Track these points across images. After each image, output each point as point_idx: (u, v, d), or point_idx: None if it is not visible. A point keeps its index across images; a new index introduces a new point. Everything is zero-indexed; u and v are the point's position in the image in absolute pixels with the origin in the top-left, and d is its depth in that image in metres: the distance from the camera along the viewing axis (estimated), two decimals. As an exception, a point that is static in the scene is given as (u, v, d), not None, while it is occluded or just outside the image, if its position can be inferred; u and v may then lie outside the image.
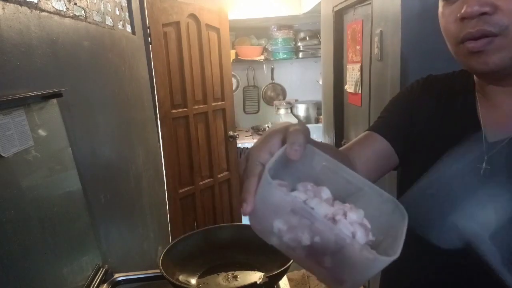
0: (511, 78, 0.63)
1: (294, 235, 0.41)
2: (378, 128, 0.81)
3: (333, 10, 2.67)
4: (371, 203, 0.45)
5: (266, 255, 1.10)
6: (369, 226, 0.42)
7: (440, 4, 0.65)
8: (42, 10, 1.07)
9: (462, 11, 0.58)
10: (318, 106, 4.22)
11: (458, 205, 0.65)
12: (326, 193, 0.44)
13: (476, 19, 0.58)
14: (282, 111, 4.44)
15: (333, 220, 0.41)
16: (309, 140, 0.46)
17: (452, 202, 0.67)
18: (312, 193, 0.44)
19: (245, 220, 1.15)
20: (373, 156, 0.79)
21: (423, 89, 0.80)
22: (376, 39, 1.95)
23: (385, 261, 0.37)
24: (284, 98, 4.78)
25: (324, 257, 0.40)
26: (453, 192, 0.67)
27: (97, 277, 1.12)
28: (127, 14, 1.94)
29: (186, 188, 2.80)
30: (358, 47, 2.30)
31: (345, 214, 0.41)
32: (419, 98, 0.80)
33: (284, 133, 0.45)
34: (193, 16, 2.73)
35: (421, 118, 0.77)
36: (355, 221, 0.41)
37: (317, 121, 4.30)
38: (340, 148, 0.82)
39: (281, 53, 4.37)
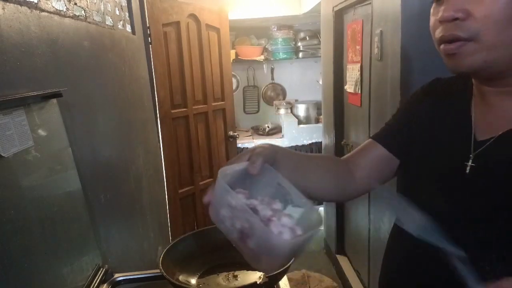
0: (501, 80, 0.65)
1: (232, 221, 0.57)
2: (378, 135, 0.88)
3: (333, 10, 2.67)
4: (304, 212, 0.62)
5: (266, 255, 1.10)
6: (297, 230, 0.58)
7: (433, 4, 0.69)
8: (42, 10, 1.07)
9: (439, 15, 0.64)
10: (318, 106, 4.22)
11: (441, 202, 0.70)
12: (277, 205, 0.61)
13: (451, 23, 0.62)
14: (282, 111, 4.44)
15: (270, 220, 0.57)
16: (270, 161, 0.64)
17: (437, 198, 0.71)
18: (266, 203, 0.60)
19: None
20: (373, 163, 0.85)
21: (424, 93, 0.84)
22: (376, 39, 1.95)
23: (284, 243, 0.55)
24: (284, 98, 4.78)
25: (248, 239, 0.56)
26: (438, 188, 0.73)
27: (97, 277, 1.12)
28: (127, 14, 1.94)
29: (186, 188, 2.80)
30: (358, 47, 2.30)
31: (280, 218, 0.58)
32: (419, 102, 0.83)
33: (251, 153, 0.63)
34: (193, 16, 2.73)
35: (419, 120, 0.81)
36: (285, 223, 0.58)
37: (317, 121, 4.30)
38: (344, 156, 0.90)
39: (281, 53, 4.37)
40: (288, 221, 0.58)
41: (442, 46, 0.65)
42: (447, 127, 0.75)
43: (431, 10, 0.68)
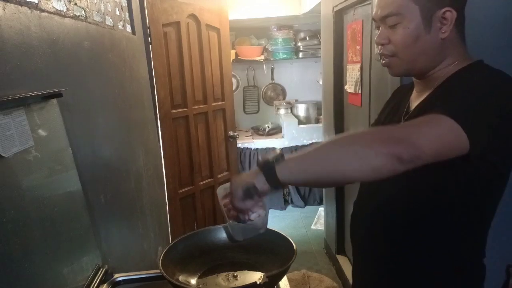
0: (422, 75, 0.98)
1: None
2: (372, 126, 1.23)
3: (333, 10, 2.67)
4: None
5: (266, 255, 1.10)
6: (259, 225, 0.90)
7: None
8: (43, 11, 1.07)
9: (375, 40, 0.98)
10: (318, 106, 4.22)
11: None
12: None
13: (381, 46, 0.97)
14: (282, 111, 4.44)
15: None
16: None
17: None
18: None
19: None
20: None
21: (394, 91, 1.23)
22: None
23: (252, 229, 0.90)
24: (284, 98, 4.78)
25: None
26: None
27: (97, 277, 1.12)
28: (127, 14, 1.94)
29: (186, 188, 2.80)
30: (358, 47, 2.30)
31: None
32: (391, 97, 1.21)
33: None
34: (193, 16, 2.73)
35: (383, 112, 1.17)
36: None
37: (317, 121, 4.30)
38: None
39: (281, 53, 4.37)
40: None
41: (381, 61, 1.01)
42: (396, 112, 1.08)
43: (376, 31, 1.00)
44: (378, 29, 0.98)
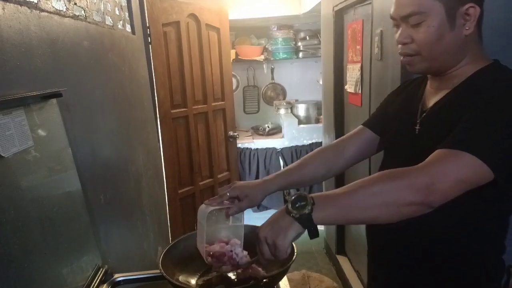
0: (441, 73, 0.98)
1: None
2: (367, 122, 1.23)
3: (333, 10, 2.67)
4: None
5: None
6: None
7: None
8: (42, 10, 1.07)
9: (396, 39, 0.97)
10: (318, 106, 4.21)
11: (397, 157, 1.04)
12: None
13: (403, 45, 0.96)
14: (282, 111, 4.44)
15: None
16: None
17: (395, 154, 1.08)
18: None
19: (245, 221, 1.15)
20: (361, 144, 1.20)
21: (398, 89, 1.20)
22: (376, 39, 1.95)
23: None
24: (284, 98, 4.78)
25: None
26: (395, 147, 1.08)
27: (97, 277, 1.12)
28: (127, 14, 1.94)
29: (186, 188, 2.79)
30: (358, 47, 2.30)
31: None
32: (394, 95, 1.19)
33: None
34: (193, 16, 2.72)
35: (393, 106, 1.15)
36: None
37: (317, 121, 4.30)
38: (337, 140, 1.25)
39: (281, 53, 4.36)
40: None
41: (401, 58, 0.99)
42: (408, 107, 1.07)
43: (395, 29, 0.99)
44: (397, 28, 0.97)
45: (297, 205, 0.82)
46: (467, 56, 0.94)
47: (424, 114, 1.00)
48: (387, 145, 1.14)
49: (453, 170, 0.80)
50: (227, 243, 1.06)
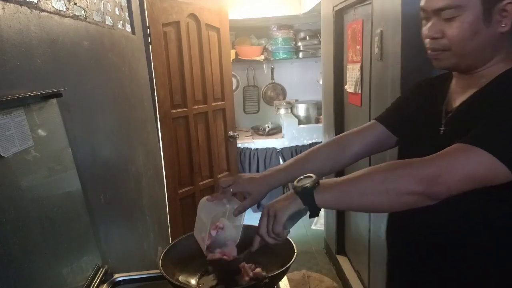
0: (469, 70, 0.93)
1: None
2: (380, 117, 1.16)
3: (333, 10, 2.67)
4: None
5: (266, 255, 1.10)
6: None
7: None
8: (42, 10, 1.07)
9: (426, 33, 0.92)
10: (318, 106, 4.21)
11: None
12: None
13: (432, 39, 0.90)
14: (282, 111, 4.44)
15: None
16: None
17: (417, 156, 0.95)
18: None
19: (245, 221, 1.15)
20: (372, 138, 1.15)
21: (417, 86, 1.13)
22: (376, 39, 1.95)
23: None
24: (284, 98, 4.78)
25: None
26: (417, 148, 0.98)
27: (97, 277, 1.12)
28: (127, 14, 1.94)
29: (186, 188, 2.79)
30: (358, 47, 2.30)
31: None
32: (413, 92, 1.13)
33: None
34: (193, 16, 2.72)
35: (412, 104, 1.09)
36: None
37: (317, 121, 4.30)
38: (343, 133, 1.21)
39: (281, 53, 4.36)
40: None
41: (429, 52, 0.94)
42: (431, 106, 1.01)
43: (422, 21, 0.94)
44: (426, 20, 0.91)
45: (301, 181, 0.85)
46: (499, 54, 0.89)
47: (450, 114, 0.95)
48: (408, 145, 1.08)
49: (461, 164, 0.78)
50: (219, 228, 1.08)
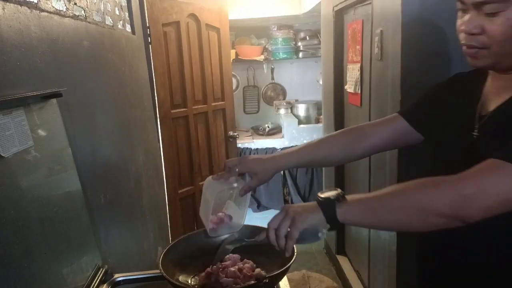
0: (507, 70, 0.86)
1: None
2: (404, 111, 1.09)
3: (333, 10, 2.67)
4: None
5: (266, 255, 1.10)
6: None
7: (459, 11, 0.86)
8: (42, 10, 1.07)
9: (462, 27, 0.83)
10: (318, 106, 4.21)
11: (451, 164, 0.87)
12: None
13: (470, 35, 0.82)
14: (282, 111, 4.43)
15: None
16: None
17: (449, 161, 0.93)
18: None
19: (245, 221, 1.15)
20: (392, 132, 1.08)
21: (448, 82, 1.04)
22: (376, 39, 1.95)
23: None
24: (284, 98, 4.77)
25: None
26: (449, 153, 0.95)
27: (96, 277, 1.12)
28: (127, 13, 1.94)
29: (186, 188, 2.79)
30: (358, 47, 2.30)
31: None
32: (443, 88, 1.04)
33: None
34: (193, 16, 2.72)
35: (441, 102, 1.00)
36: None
37: (317, 121, 4.30)
38: (364, 123, 1.15)
39: (281, 53, 4.36)
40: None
41: (464, 48, 0.85)
42: (464, 107, 0.94)
43: (458, 13, 0.86)
44: (463, 12, 0.83)
45: (325, 192, 0.82)
46: None
47: (484, 118, 0.88)
48: (439, 149, 1.00)
49: (495, 185, 0.71)
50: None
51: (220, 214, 1.09)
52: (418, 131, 1.05)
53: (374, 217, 0.80)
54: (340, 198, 0.80)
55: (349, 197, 0.82)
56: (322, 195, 0.82)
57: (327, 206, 0.80)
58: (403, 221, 0.77)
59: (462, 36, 0.84)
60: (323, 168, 3.50)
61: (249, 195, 1.08)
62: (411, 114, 1.07)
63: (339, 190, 0.82)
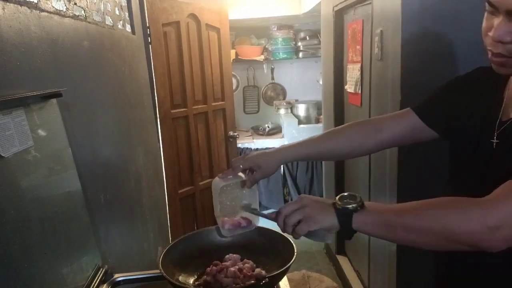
0: None
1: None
2: (418, 107, 1.04)
3: (333, 10, 2.67)
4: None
5: (266, 255, 1.10)
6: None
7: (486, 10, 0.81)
8: (42, 10, 1.07)
9: (490, 33, 0.76)
10: (318, 106, 4.21)
11: (471, 171, 0.85)
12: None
13: (498, 43, 0.75)
14: (282, 111, 4.44)
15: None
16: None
17: (468, 168, 0.89)
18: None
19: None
20: (404, 128, 1.04)
21: (467, 77, 0.98)
22: (376, 39, 1.95)
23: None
24: (284, 98, 4.78)
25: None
26: (468, 159, 0.90)
27: (96, 277, 1.12)
28: (127, 14, 1.94)
29: (186, 188, 2.79)
30: (358, 47, 2.30)
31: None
32: (462, 84, 0.98)
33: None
34: (193, 16, 2.72)
35: (459, 100, 0.95)
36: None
37: (317, 121, 4.30)
38: (377, 117, 1.12)
39: (281, 53, 4.37)
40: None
41: (489, 54, 0.80)
42: (484, 111, 0.89)
43: (485, 14, 0.80)
44: (492, 15, 0.77)
45: (345, 200, 0.79)
46: None
47: (504, 125, 0.83)
48: (459, 154, 0.96)
49: None
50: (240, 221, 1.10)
51: (237, 218, 1.10)
52: (431, 128, 1.02)
53: (391, 233, 0.77)
54: (358, 209, 0.77)
55: (368, 204, 0.79)
56: (341, 203, 0.79)
57: (344, 215, 0.78)
58: (420, 242, 0.74)
59: (488, 41, 0.79)
60: (323, 168, 3.51)
61: (257, 192, 1.09)
62: (424, 111, 1.03)
63: (358, 198, 0.79)
